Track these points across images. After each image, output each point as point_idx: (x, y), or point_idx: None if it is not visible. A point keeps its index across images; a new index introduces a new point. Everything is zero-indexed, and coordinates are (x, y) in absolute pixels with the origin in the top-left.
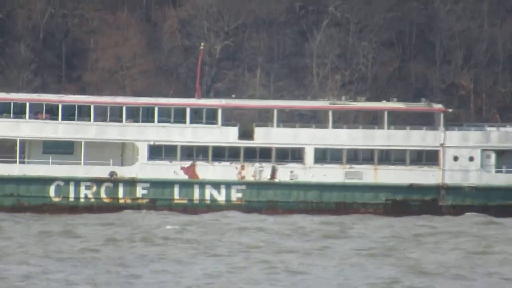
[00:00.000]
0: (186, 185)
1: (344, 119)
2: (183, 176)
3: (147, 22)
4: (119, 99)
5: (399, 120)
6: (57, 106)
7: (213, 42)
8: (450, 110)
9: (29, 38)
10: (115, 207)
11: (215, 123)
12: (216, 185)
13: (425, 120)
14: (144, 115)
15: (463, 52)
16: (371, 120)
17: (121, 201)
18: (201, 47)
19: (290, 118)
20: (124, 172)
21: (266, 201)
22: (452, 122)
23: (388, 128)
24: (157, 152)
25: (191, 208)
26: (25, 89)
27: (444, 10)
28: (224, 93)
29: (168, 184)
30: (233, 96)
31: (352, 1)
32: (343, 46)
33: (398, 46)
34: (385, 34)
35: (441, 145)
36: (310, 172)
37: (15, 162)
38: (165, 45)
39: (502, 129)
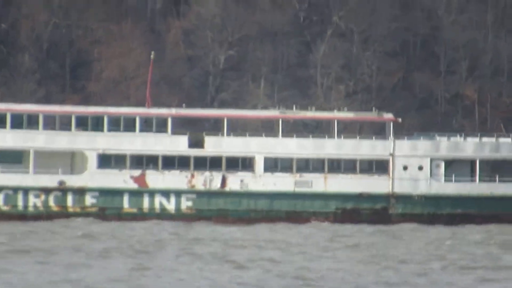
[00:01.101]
0: (135, 194)
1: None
2: (133, 185)
3: (151, 33)
4: (68, 108)
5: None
6: (5, 115)
7: (217, 52)
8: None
9: (33, 49)
10: (64, 215)
11: (165, 131)
12: (166, 193)
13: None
14: (93, 123)
15: (468, 62)
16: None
17: (70, 209)
18: (152, 56)
19: (294, 128)
20: (73, 180)
21: (216, 209)
22: (407, 132)
23: (338, 137)
24: (106, 160)
25: (140, 217)
26: (29, 100)
27: (448, 20)
28: (228, 103)
29: (117, 193)
30: (183, 105)
31: (356, 11)
32: (347, 56)
33: (402, 56)
34: (389, 44)
35: (391, 154)
36: (260, 181)
37: None
38: (169, 55)
39: (501, 139)
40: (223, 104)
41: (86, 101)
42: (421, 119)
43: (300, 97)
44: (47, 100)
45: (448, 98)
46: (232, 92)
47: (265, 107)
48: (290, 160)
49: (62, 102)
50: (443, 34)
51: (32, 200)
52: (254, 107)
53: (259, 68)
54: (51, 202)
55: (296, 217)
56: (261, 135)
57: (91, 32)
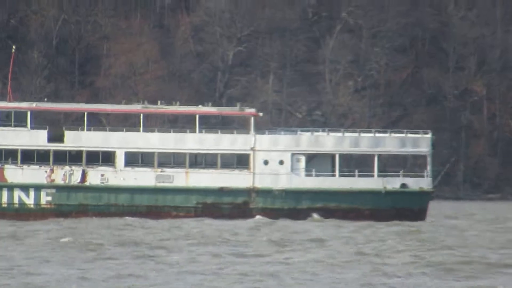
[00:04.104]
0: None
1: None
2: None
3: (160, 28)
4: None
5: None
6: None
7: (226, 48)
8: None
9: (42, 45)
10: None
11: (25, 126)
12: (25, 188)
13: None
14: None
15: (476, 58)
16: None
17: None
18: (13, 50)
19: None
20: None
21: (76, 204)
22: (270, 128)
23: (200, 132)
24: None
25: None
26: (37, 95)
27: (457, 16)
28: (237, 99)
29: None
30: (45, 99)
31: (365, 7)
32: (356, 52)
33: (411, 52)
34: (398, 40)
35: (252, 148)
36: (121, 176)
37: None
38: (178, 51)
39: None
40: (231, 100)
41: (95, 97)
42: (430, 115)
43: (308, 93)
44: (56, 96)
45: (457, 94)
46: (241, 88)
47: (128, 102)
48: (151, 155)
49: (71, 98)
50: (452, 30)
51: None
52: (263, 103)
53: (267, 64)
54: None
55: (157, 212)
56: (122, 130)
57: (100, 28)
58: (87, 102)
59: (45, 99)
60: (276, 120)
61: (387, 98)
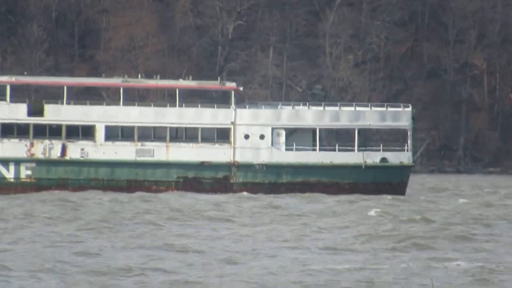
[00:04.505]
0: None
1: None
2: None
3: (159, 1)
4: None
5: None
6: None
7: (226, 22)
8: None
9: (42, 18)
10: None
11: (4, 99)
12: (5, 162)
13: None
14: None
15: (476, 32)
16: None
17: None
18: None
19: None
20: None
21: (56, 178)
22: (251, 101)
23: (180, 106)
24: None
25: None
26: (37, 69)
27: None
28: (237, 73)
29: None
30: (25, 73)
31: None
32: (356, 25)
33: (411, 25)
34: (398, 14)
35: (232, 123)
36: (101, 150)
37: None
38: (177, 24)
39: (344, 108)
40: (231, 74)
41: (94, 71)
42: (430, 89)
43: (308, 67)
44: (56, 70)
45: (457, 68)
46: (241, 62)
47: (108, 76)
48: (131, 129)
49: (71, 71)
50: (452, 3)
51: None
52: (264, 76)
53: (267, 38)
54: None
55: (137, 186)
56: (102, 104)
57: (99, 1)
58: (87, 75)
59: (25, 72)
60: (276, 94)
61: (387, 72)
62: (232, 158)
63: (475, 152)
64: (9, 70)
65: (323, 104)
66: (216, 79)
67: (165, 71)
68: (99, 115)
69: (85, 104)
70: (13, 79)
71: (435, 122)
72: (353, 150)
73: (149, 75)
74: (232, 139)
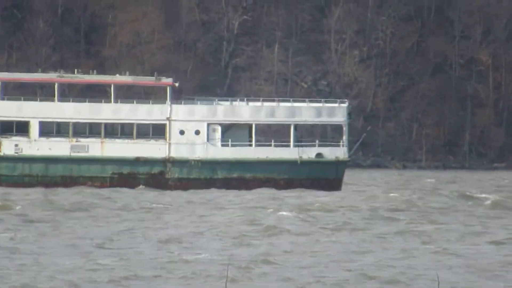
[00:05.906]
0: None
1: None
2: None
3: None
4: None
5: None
6: None
7: (231, 17)
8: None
9: (48, 14)
10: None
11: None
12: None
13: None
14: None
15: (482, 27)
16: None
17: None
18: None
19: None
20: None
21: None
22: (188, 97)
23: (115, 102)
24: None
25: None
26: (43, 65)
27: None
28: (242, 68)
29: None
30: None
31: None
32: (362, 21)
33: (416, 21)
34: (403, 9)
35: (168, 118)
36: (35, 146)
37: None
38: (183, 20)
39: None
40: (237, 70)
41: (100, 66)
42: (435, 84)
43: (313, 62)
44: (61, 66)
45: (462, 63)
46: (246, 58)
47: (44, 70)
48: (66, 125)
49: (77, 67)
50: None
51: None
52: (269, 72)
53: (273, 33)
54: None
55: (72, 182)
56: (37, 100)
57: None
58: (93, 71)
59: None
60: (282, 90)
61: (392, 68)
62: (167, 154)
63: (480, 147)
64: (15, 66)
65: (261, 99)
66: (221, 75)
67: (171, 66)
68: (33, 111)
69: (19, 99)
70: None
71: (441, 117)
72: (289, 146)
73: (154, 71)
74: (167, 135)
